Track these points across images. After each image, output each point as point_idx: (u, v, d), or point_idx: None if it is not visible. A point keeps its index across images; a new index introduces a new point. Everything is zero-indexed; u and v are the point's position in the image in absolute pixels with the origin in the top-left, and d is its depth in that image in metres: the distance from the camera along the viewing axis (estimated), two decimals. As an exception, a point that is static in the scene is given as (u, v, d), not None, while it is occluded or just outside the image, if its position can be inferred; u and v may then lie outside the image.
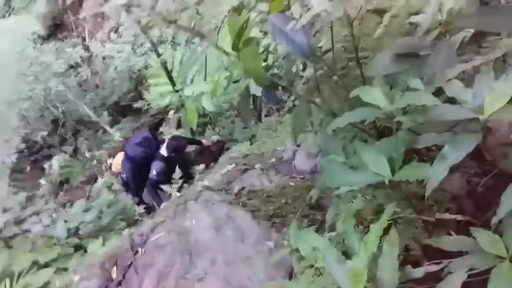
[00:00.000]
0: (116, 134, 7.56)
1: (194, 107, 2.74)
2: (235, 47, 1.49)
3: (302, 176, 3.62)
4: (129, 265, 2.85)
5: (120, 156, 5.94)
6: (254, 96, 2.04)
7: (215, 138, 5.07)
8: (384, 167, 1.28)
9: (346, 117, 1.38)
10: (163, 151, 4.61)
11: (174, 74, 5.59)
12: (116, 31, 8.79)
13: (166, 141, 4.44)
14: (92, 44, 9.25)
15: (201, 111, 2.93)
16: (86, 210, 5.81)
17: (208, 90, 2.65)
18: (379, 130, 1.89)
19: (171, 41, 7.57)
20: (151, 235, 2.91)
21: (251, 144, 4.56)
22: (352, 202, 1.61)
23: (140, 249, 2.89)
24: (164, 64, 5.07)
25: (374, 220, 1.45)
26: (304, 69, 1.92)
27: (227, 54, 1.59)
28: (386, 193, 1.55)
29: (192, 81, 5.48)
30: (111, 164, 7.09)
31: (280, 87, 1.90)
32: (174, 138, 4.68)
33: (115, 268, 2.90)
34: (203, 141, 5.02)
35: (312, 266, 1.60)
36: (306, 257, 1.73)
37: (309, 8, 1.34)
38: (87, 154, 7.83)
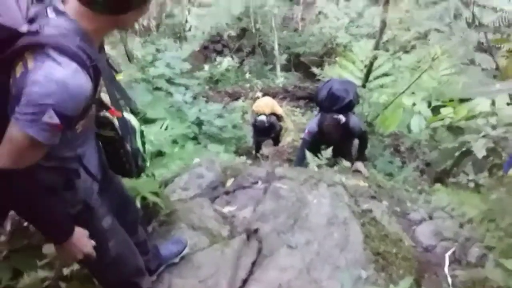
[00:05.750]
0: (280, 78, 7.87)
1: (399, 114, 2.70)
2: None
3: (414, 245, 3.45)
4: (244, 187, 3.05)
5: (266, 99, 6.16)
6: (465, 154, 1.95)
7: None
8: None
9: None
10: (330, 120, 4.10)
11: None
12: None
13: (330, 120, 4.15)
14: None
15: (392, 123, 2.85)
16: (218, 116, 6.24)
17: (426, 114, 2.57)
18: None
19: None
20: (276, 181, 3.06)
21: (389, 180, 4.41)
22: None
23: (259, 182, 3.07)
24: (374, 59, 5.04)
25: None
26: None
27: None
28: None
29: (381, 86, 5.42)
30: (257, 98, 7.46)
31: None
32: (328, 129, 4.13)
33: (232, 179, 3.13)
34: None
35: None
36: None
37: None
38: (247, 75, 8.34)
